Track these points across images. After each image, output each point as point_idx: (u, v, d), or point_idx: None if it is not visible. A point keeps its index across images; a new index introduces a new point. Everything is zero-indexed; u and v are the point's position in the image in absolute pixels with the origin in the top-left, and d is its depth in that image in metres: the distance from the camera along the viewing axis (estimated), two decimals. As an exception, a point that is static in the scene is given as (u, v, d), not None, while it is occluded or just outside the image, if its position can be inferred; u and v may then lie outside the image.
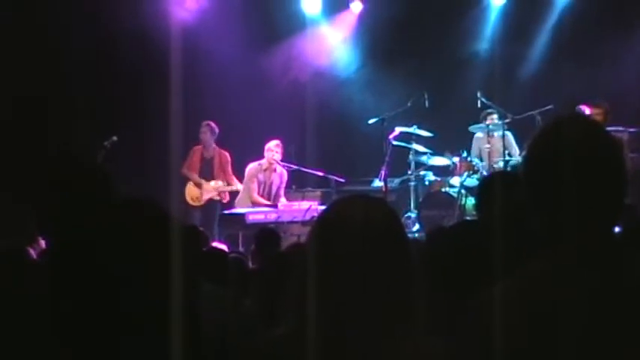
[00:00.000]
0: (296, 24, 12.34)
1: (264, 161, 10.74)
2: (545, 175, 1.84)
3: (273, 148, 10.66)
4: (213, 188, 10.85)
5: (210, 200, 10.87)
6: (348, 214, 1.98)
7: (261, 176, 10.80)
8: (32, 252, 4.69)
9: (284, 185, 10.96)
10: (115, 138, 10.23)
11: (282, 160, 10.87)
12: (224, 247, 7.20)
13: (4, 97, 10.01)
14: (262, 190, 10.82)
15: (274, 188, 10.85)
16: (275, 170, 10.80)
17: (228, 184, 10.91)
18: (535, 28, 12.31)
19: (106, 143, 10.15)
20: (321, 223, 2.00)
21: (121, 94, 11.28)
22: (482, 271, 2.04)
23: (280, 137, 10.91)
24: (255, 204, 10.69)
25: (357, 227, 1.94)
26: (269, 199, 10.78)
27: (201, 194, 10.84)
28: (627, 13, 11.66)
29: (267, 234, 6.55)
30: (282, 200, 10.84)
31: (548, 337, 1.76)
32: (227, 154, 10.98)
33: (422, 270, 1.99)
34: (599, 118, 9.58)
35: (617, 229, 2.01)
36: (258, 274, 4.31)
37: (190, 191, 10.86)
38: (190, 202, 10.80)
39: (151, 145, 10.13)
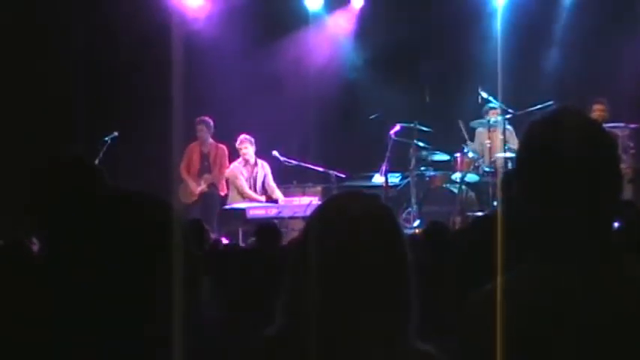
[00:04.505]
0: (298, 20, 12.32)
1: (240, 158, 10.75)
2: (540, 172, 1.83)
3: (239, 146, 10.70)
4: (203, 181, 10.85)
5: (205, 195, 10.85)
6: (344, 209, 1.97)
7: (245, 172, 10.80)
8: (33, 245, 4.70)
9: (270, 175, 10.94)
10: (115, 133, 10.25)
11: (282, 155, 10.88)
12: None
13: (3, 94, 10.02)
14: (250, 186, 10.81)
15: (260, 181, 10.85)
16: (256, 164, 10.81)
17: (219, 175, 10.88)
18: (538, 24, 12.28)
19: (106, 138, 10.17)
20: (316, 219, 1.99)
21: (123, 90, 11.28)
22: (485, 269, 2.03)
23: (282, 132, 10.91)
24: (247, 199, 10.68)
25: (352, 222, 1.93)
26: (258, 194, 10.78)
27: (192, 190, 10.83)
28: (632, 8, 11.65)
29: (268, 229, 6.53)
30: (277, 192, 10.84)
31: (547, 341, 1.75)
32: (224, 147, 10.98)
33: (417, 267, 1.98)
34: (602, 114, 9.61)
35: (616, 225, 2.01)
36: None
37: (182, 189, 10.86)
38: (184, 200, 10.77)
39: (151, 141, 10.13)
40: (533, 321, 1.76)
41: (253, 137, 10.88)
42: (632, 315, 1.76)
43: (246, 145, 10.70)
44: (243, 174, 10.77)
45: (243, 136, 10.75)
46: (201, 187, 10.83)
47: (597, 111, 9.62)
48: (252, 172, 10.82)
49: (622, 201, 1.90)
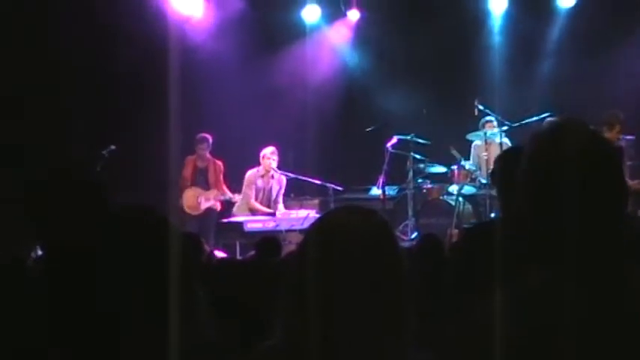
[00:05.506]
0: (294, 33, 12.35)
1: (261, 167, 10.76)
2: (545, 184, 1.82)
3: (270, 156, 10.68)
4: (212, 197, 10.86)
5: (208, 209, 10.87)
6: (342, 224, 1.98)
7: (259, 182, 10.80)
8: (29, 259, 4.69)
9: (283, 191, 10.96)
10: (113, 147, 10.25)
11: (279, 168, 10.87)
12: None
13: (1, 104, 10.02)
14: (261, 196, 10.81)
15: (273, 194, 10.85)
16: (273, 176, 10.81)
17: (222, 190, 10.93)
18: (534, 36, 12.32)
19: (104, 152, 10.17)
20: (313, 234, 2.00)
21: (120, 103, 11.28)
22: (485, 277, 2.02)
23: (279, 145, 10.91)
24: (252, 210, 10.69)
25: (350, 237, 1.94)
26: (268, 205, 10.78)
27: (199, 203, 10.84)
28: (630, 19, 11.70)
29: (268, 242, 6.54)
30: (280, 207, 10.85)
31: (548, 353, 1.74)
32: (221, 163, 10.99)
33: (413, 280, 1.98)
34: (617, 135, 9.64)
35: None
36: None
37: (188, 200, 10.86)
38: (188, 210, 10.79)
39: (149, 154, 10.13)
40: (534, 333, 1.76)
41: (251, 150, 10.88)
42: (634, 326, 1.75)
43: (275, 158, 10.71)
44: (257, 184, 10.77)
45: (273, 148, 10.73)
46: (210, 204, 10.82)
47: (614, 132, 9.64)
48: (268, 183, 10.82)
49: (625, 212, 1.89)
